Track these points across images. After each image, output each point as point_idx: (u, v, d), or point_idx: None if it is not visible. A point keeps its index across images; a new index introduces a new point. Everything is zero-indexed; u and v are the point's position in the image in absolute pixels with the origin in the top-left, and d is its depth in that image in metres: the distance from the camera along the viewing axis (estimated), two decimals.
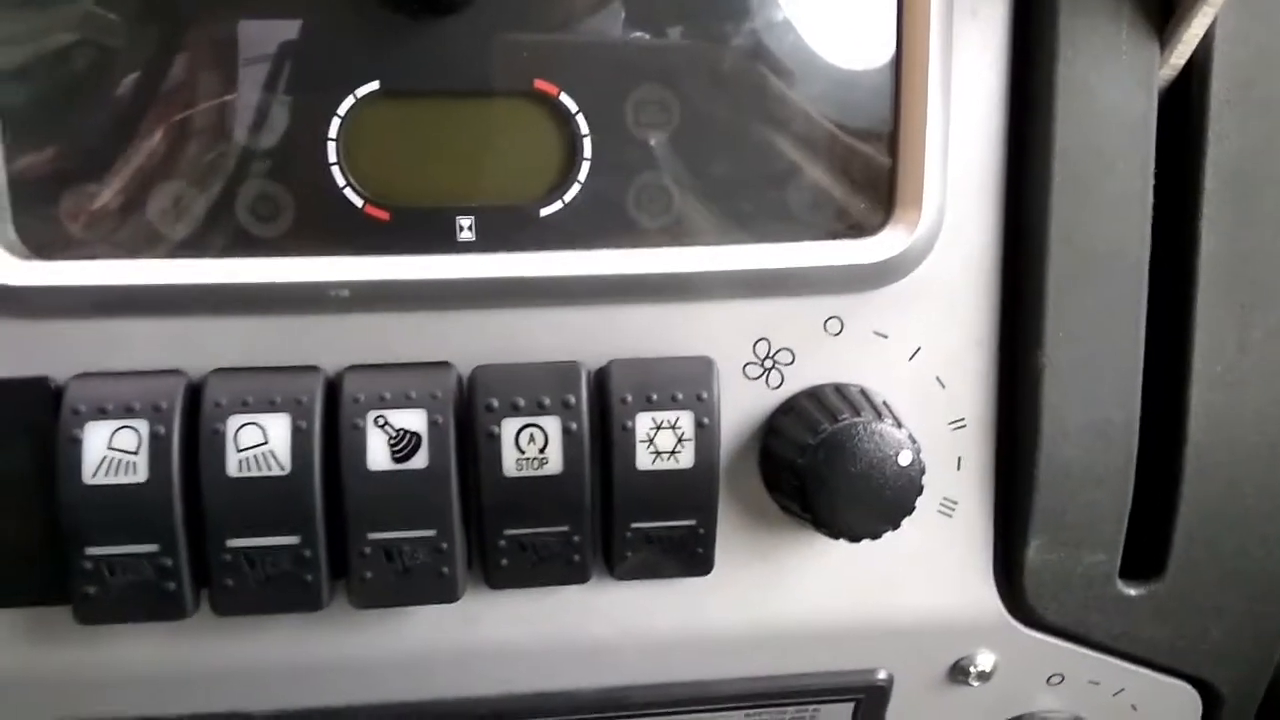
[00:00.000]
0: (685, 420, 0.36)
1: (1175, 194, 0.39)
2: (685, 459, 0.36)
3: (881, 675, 0.43)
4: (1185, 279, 0.39)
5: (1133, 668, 0.44)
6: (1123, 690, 0.45)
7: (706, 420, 0.36)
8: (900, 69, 0.37)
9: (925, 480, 0.37)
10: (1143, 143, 0.37)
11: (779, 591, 0.40)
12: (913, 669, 0.43)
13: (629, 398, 0.36)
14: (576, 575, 0.37)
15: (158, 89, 0.35)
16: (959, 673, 0.43)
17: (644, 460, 0.36)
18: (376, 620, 0.38)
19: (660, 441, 0.36)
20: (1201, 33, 0.36)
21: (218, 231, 0.36)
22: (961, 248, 0.38)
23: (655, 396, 0.36)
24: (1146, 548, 0.42)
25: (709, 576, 0.39)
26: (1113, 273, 0.38)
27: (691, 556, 0.38)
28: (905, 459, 0.35)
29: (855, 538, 0.36)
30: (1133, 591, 0.42)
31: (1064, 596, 0.41)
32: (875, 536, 0.36)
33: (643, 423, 0.36)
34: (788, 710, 0.43)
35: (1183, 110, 0.38)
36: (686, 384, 0.36)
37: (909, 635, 0.42)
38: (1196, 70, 0.38)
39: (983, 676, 0.43)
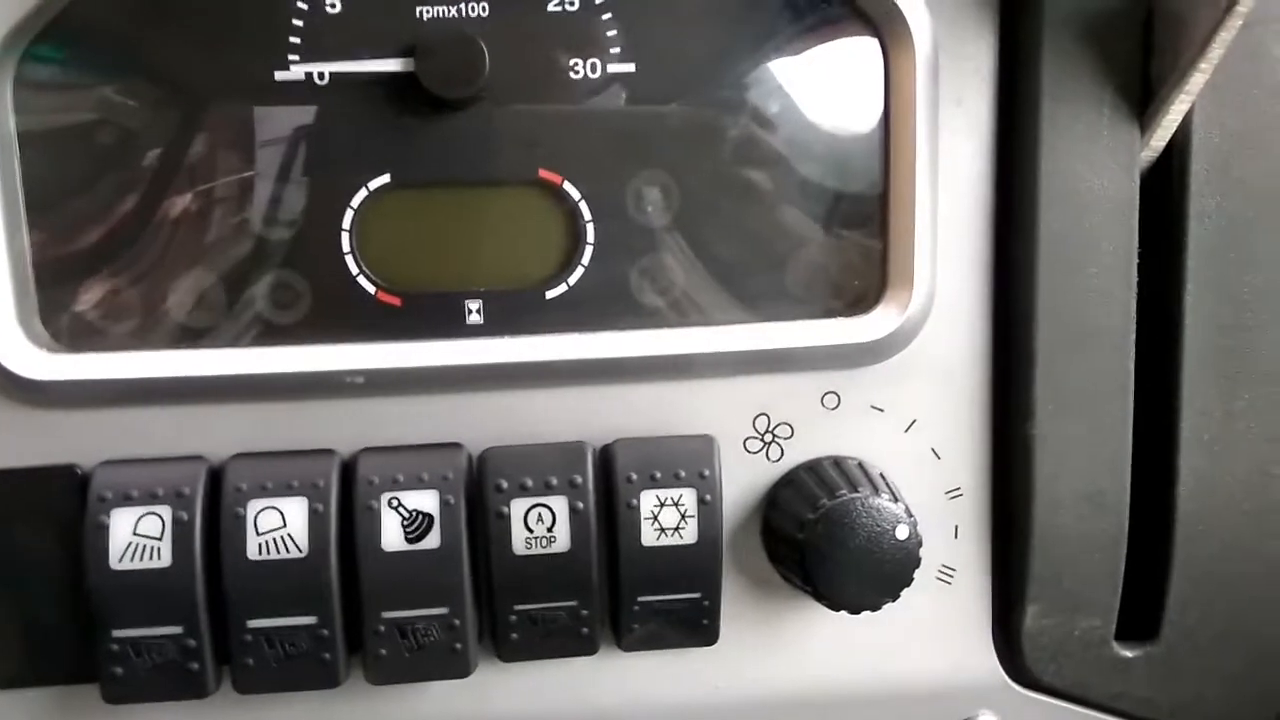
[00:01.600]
0: (688, 497, 0.37)
1: (1159, 270, 0.40)
2: (689, 534, 0.37)
3: None
4: (1171, 352, 0.40)
5: None
6: None
7: (709, 497, 0.37)
8: (888, 155, 0.39)
9: (924, 549, 0.38)
10: (1126, 222, 0.39)
11: (783, 660, 0.41)
12: None
13: (634, 476, 0.37)
14: (585, 648, 0.38)
15: (176, 187, 0.37)
16: None
17: (649, 537, 0.37)
18: (392, 695, 0.39)
19: (664, 518, 0.37)
20: (1179, 118, 0.38)
21: (237, 320, 0.38)
22: (953, 324, 0.40)
23: (659, 474, 0.37)
24: (1141, 611, 0.42)
25: (714, 646, 0.40)
26: (1100, 347, 0.39)
27: (697, 628, 0.39)
28: (903, 533, 0.37)
29: (855, 610, 0.37)
30: (1129, 654, 0.42)
31: (1062, 659, 0.42)
32: (875, 608, 0.37)
33: (647, 500, 0.37)
34: None
35: (1164, 190, 0.40)
36: (689, 462, 0.38)
37: (912, 700, 0.42)
38: (1176, 152, 0.39)
39: None
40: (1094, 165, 0.38)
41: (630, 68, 0.38)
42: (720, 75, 0.38)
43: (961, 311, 0.40)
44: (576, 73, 0.38)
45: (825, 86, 0.39)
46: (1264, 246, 0.39)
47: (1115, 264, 0.39)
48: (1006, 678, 0.43)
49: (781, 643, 0.41)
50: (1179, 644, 0.43)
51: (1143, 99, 0.38)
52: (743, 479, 0.40)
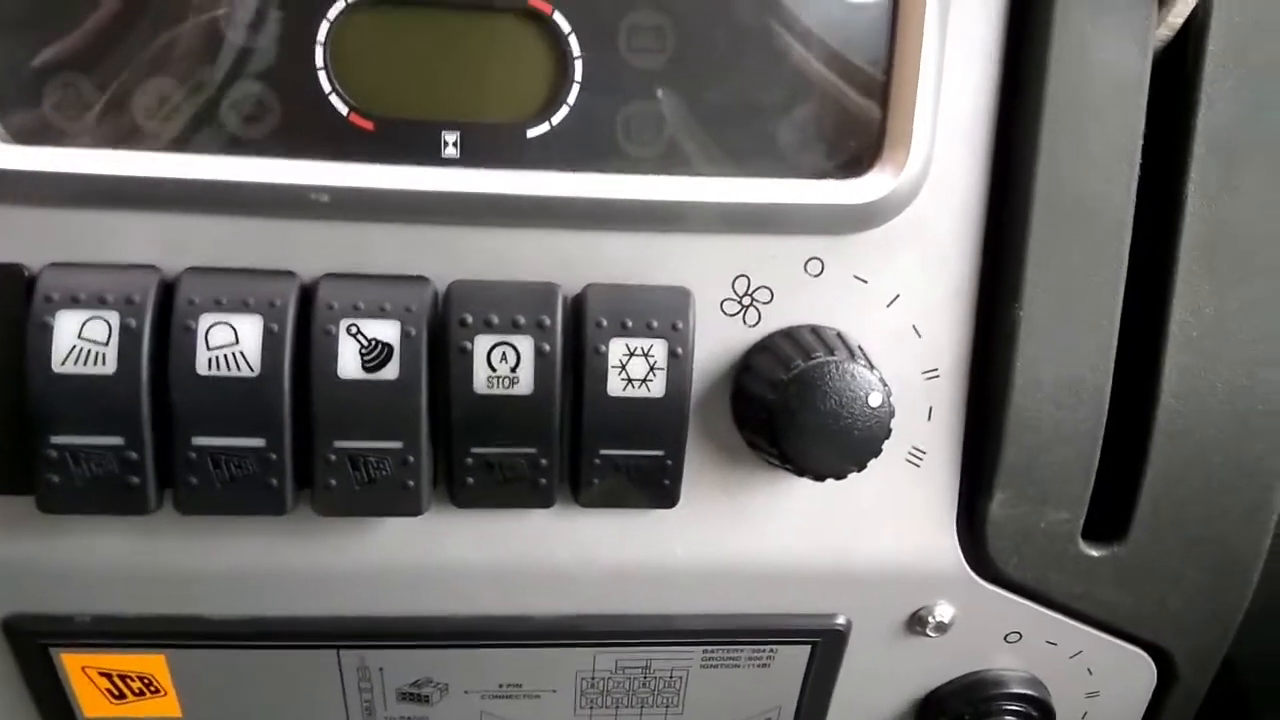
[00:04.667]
0: (659, 349, 0.36)
1: (1164, 157, 0.38)
2: (657, 388, 0.36)
3: (840, 620, 0.43)
4: (1167, 242, 0.39)
5: (1091, 631, 0.45)
6: (1080, 653, 0.46)
7: (680, 350, 0.36)
8: (896, 13, 0.37)
9: (895, 428, 0.37)
10: (1134, 101, 0.37)
11: (743, 530, 0.40)
12: (872, 616, 0.43)
13: (604, 322, 0.36)
14: (542, 499, 0.37)
15: None
16: (917, 623, 0.43)
17: (615, 386, 0.36)
18: (340, 530, 0.38)
19: (633, 369, 0.36)
20: None
21: (202, 130, 0.36)
22: (947, 195, 0.38)
23: (630, 323, 0.36)
24: (1112, 510, 0.42)
25: (674, 511, 0.39)
26: (1095, 229, 0.38)
27: (658, 488, 0.38)
28: (875, 400, 0.35)
29: (820, 476, 0.36)
30: (1094, 552, 0.42)
31: (1025, 552, 0.41)
32: (840, 476, 0.36)
33: (616, 348, 0.36)
34: (745, 649, 0.44)
35: (1177, 74, 0.38)
36: (662, 313, 0.36)
37: (869, 582, 0.42)
38: (1193, 33, 0.38)
39: (940, 628, 0.43)
40: (1106, 37, 0.37)
41: None
42: None
43: (957, 182, 0.38)
44: None
45: None
46: (1275, 137, 0.38)
47: (1119, 142, 0.37)
48: (968, 569, 0.42)
49: (743, 512, 0.40)
50: (1146, 547, 0.42)
51: None
52: (717, 341, 0.39)
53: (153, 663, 0.42)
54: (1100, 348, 0.39)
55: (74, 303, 0.34)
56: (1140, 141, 0.37)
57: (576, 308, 0.37)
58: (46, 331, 0.34)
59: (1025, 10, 0.37)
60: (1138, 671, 0.47)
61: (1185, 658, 0.46)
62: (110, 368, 0.34)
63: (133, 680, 0.42)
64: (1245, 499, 0.42)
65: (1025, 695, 0.46)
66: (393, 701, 0.44)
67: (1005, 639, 0.45)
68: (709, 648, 0.44)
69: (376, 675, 0.43)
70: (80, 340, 0.34)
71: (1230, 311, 0.39)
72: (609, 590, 0.41)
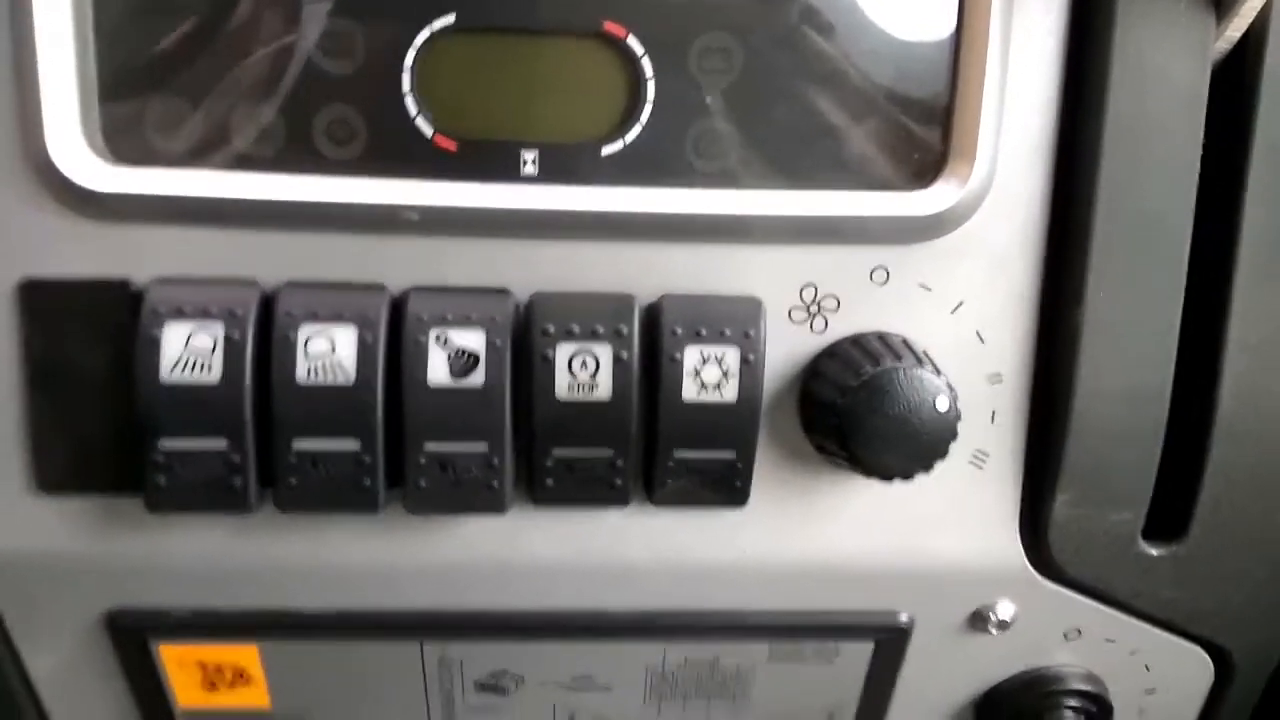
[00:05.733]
0: (731, 356, 0.37)
1: (1223, 167, 0.39)
2: (729, 393, 0.38)
3: (904, 617, 0.44)
4: (1227, 250, 0.40)
5: (1149, 628, 0.46)
6: (1138, 650, 0.47)
7: (752, 357, 0.37)
8: (962, 28, 0.38)
9: (960, 431, 0.38)
10: (1194, 113, 0.38)
11: (810, 529, 0.42)
12: (935, 613, 0.44)
13: (679, 330, 0.37)
14: (617, 498, 0.39)
15: (244, 10, 0.37)
16: (979, 620, 0.44)
17: (690, 391, 0.37)
18: (427, 528, 0.40)
19: (706, 375, 0.37)
20: (1259, 6, 0.37)
21: (294, 151, 0.38)
22: (1010, 205, 0.39)
23: (704, 331, 0.37)
24: (1172, 510, 0.43)
25: (744, 510, 0.40)
26: (1156, 238, 0.39)
27: (729, 488, 0.39)
28: (943, 405, 0.37)
29: (889, 477, 0.38)
30: (1155, 552, 0.43)
31: (1087, 552, 0.42)
32: (908, 477, 0.38)
33: (691, 355, 0.37)
34: (810, 645, 0.45)
35: (1235, 85, 0.39)
36: (734, 322, 0.38)
37: (933, 580, 0.43)
38: (1251, 46, 0.38)
39: (1002, 626, 0.44)
40: (1167, 50, 0.38)
41: None
42: None
43: (1020, 193, 0.39)
44: None
45: None
46: None
47: (1179, 153, 0.38)
48: (1030, 568, 0.43)
49: (811, 512, 0.42)
50: (1205, 547, 0.43)
51: None
52: (785, 348, 0.40)
53: (245, 654, 0.44)
54: (1161, 352, 0.40)
55: (180, 315, 0.36)
56: (1199, 153, 0.38)
57: (652, 317, 0.38)
58: (155, 343, 0.36)
59: (1086, 25, 0.38)
60: (1195, 668, 0.47)
61: (1243, 655, 0.47)
62: (215, 376, 0.36)
63: (225, 671, 0.44)
64: None
65: (1084, 691, 0.47)
66: (471, 692, 0.46)
67: (1065, 636, 0.46)
68: (775, 643, 0.45)
69: (456, 667, 0.45)
70: (187, 351, 0.36)
71: None
72: (680, 586, 0.43)
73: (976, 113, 0.38)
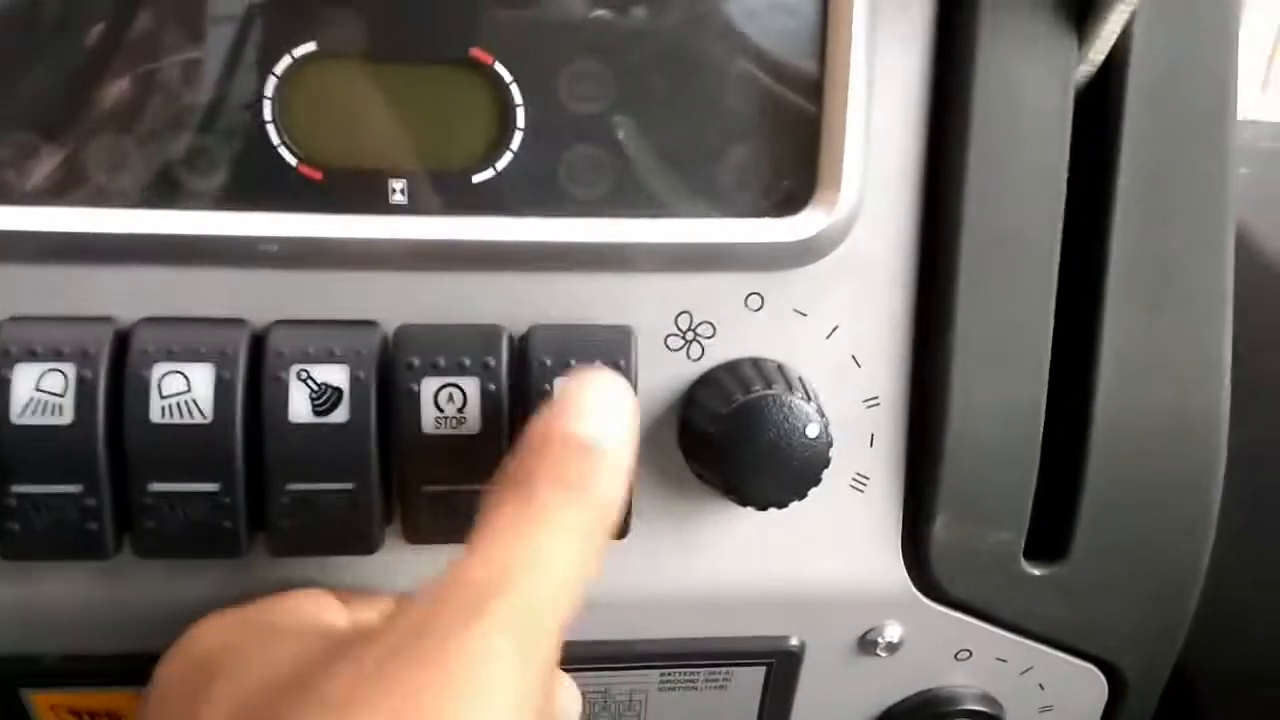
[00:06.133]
0: None
1: (1091, 187, 0.40)
2: None
3: (794, 642, 0.44)
4: (1096, 271, 0.40)
5: (1039, 647, 0.46)
6: (1030, 669, 0.47)
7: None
8: (826, 49, 0.38)
9: (839, 456, 0.38)
10: (1058, 135, 0.38)
11: (695, 558, 0.42)
12: (824, 637, 0.44)
13: (548, 361, 0.37)
14: None
15: (97, 41, 0.36)
16: (868, 644, 0.44)
17: None
18: (295, 569, 0.39)
19: None
20: (1118, 30, 0.37)
21: (154, 184, 0.37)
22: (880, 230, 0.39)
23: (574, 362, 0.37)
24: (1053, 529, 0.43)
25: (626, 541, 0.40)
26: (1024, 259, 0.39)
27: None
28: (813, 431, 0.37)
29: (763, 506, 0.37)
30: (1037, 571, 0.43)
31: (969, 573, 0.42)
32: (782, 505, 0.37)
33: (560, 386, 0.37)
34: (701, 671, 0.45)
35: (1100, 108, 0.39)
36: (605, 350, 0.37)
37: (820, 605, 0.43)
38: (1114, 69, 0.39)
39: (891, 648, 0.44)
40: (1028, 75, 0.38)
41: None
42: None
43: (889, 218, 0.39)
44: None
45: None
46: (1196, 168, 0.39)
47: (1044, 174, 0.38)
48: (915, 589, 0.43)
49: (694, 542, 0.41)
50: (1088, 565, 0.43)
51: (1082, 9, 0.38)
52: (663, 376, 0.40)
53: (120, 700, 0.42)
54: (1033, 372, 0.40)
55: (31, 356, 0.35)
56: (1065, 174, 0.39)
57: (521, 348, 0.38)
58: (5, 385, 0.35)
59: (950, 51, 0.38)
60: (1089, 685, 0.48)
61: (1134, 671, 0.47)
62: (68, 418, 0.35)
63: (100, 717, 0.43)
64: (1184, 513, 0.43)
65: (978, 712, 0.47)
66: None
67: (956, 657, 0.46)
68: (665, 671, 0.45)
69: None
70: (38, 392, 0.35)
71: (1160, 335, 0.41)
72: None
73: (841, 139, 0.37)
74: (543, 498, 0.30)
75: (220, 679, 0.31)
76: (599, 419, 0.32)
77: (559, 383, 0.37)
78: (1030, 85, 0.38)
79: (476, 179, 0.38)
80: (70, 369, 0.35)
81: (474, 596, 0.27)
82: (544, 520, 0.29)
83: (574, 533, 0.30)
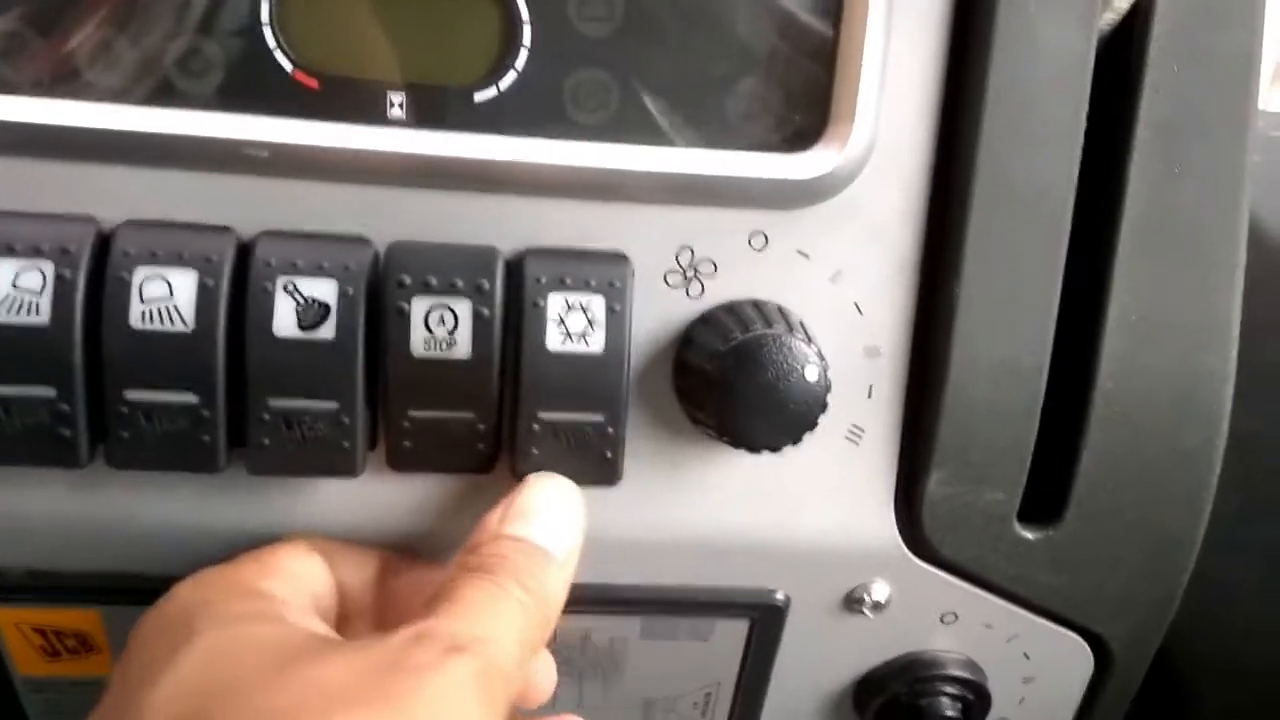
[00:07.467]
0: (597, 304, 0.36)
1: (1108, 140, 0.39)
2: (596, 343, 0.36)
3: (779, 596, 0.43)
4: (1109, 227, 0.39)
5: (1027, 615, 0.45)
6: (1016, 636, 0.46)
7: (618, 306, 0.36)
8: None
9: (835, 406, 0.37)
10: (1078, 83, 0.37)
11: (684, 503, 0.41)
12: (810, 593, 0.43)
13: (542, 279, 0.36)
14: (481, 464, 0.38)
15: None
16: (854, 601, 0.44)
17: (554, 340, 0.36)
18: (275, 489, 0.38)
19: (571, 322, 0.36)
20: None
21: (144, 81, 0.36)
22: (891, 173, 0.38)
23: (569, 280, 0.36)
24: (1049, 493, 0.42)
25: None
26: (1036, 211, 0.38)
27: (600, 460, 0.38)
28: (812, 374, 0.36)
29: (756, 449, 0.36)
30: (1030, 535, 0.42)
31: (961, 532, 0.41)
32: (775, 449, 0.36)
33: (555, 302, 0.36)
34: (684, 622, 0.44)
35: (1121, 57, 0.38)
36: (600, 272, 0.36)
37: (808, 558, 0.42)
38: (1139, 18, 0.38)
39: (877, 607, 0.43)
40: (1051, 20, 0.37)
41: None
42: None
43: (902, 160, 0.38)
44: None
45: None
46: (1216, 125, 0.38)
47: (1062, 122, 0.38)
48: (905, 548, 0.42)
49: (683, 484, 0.40)
50: (1082, 530, 0.42)
51: None
52: (660, 312, 0.39)
53: (87, 619, 0.41)
54: (1038, 329, 0.39)
55: (9, 252, 0.34)
56: (1083, 125, 0.38)
57: (515, 271, 0.37)
58: None
59: None
60: (1074, 657, 0.47)
61: (1121, 644, 0.46)
62: (44, 318, 0.34)
63: (67, 637, 0.42)
64: (1182, 484, 0.42)
65: (961, 678, 0.46)
66: None
67: (942, 620, 0.45)
68: (647, 618, 0.44)
69: None
70: (14, 290, 0.34)
71: (1169, 297, 0.40)
72: None
73: (857, 75, 0.36)
74: (508, 589, 0.33)
75: (197, 637, 0.31)
76: (563, 534, 0.36)
77: (527, 482, 0.37)
78: (1053, 31, 0.37)
79: (478, 97, 0.37)
80: (49, 267, 0.34)
81: (446, 648, 0.30)
82: (507, 608, 0.33)
83: (530, 624, 0.33)
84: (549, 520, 0.36)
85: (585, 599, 0.42)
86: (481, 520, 0.36)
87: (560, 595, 0.36)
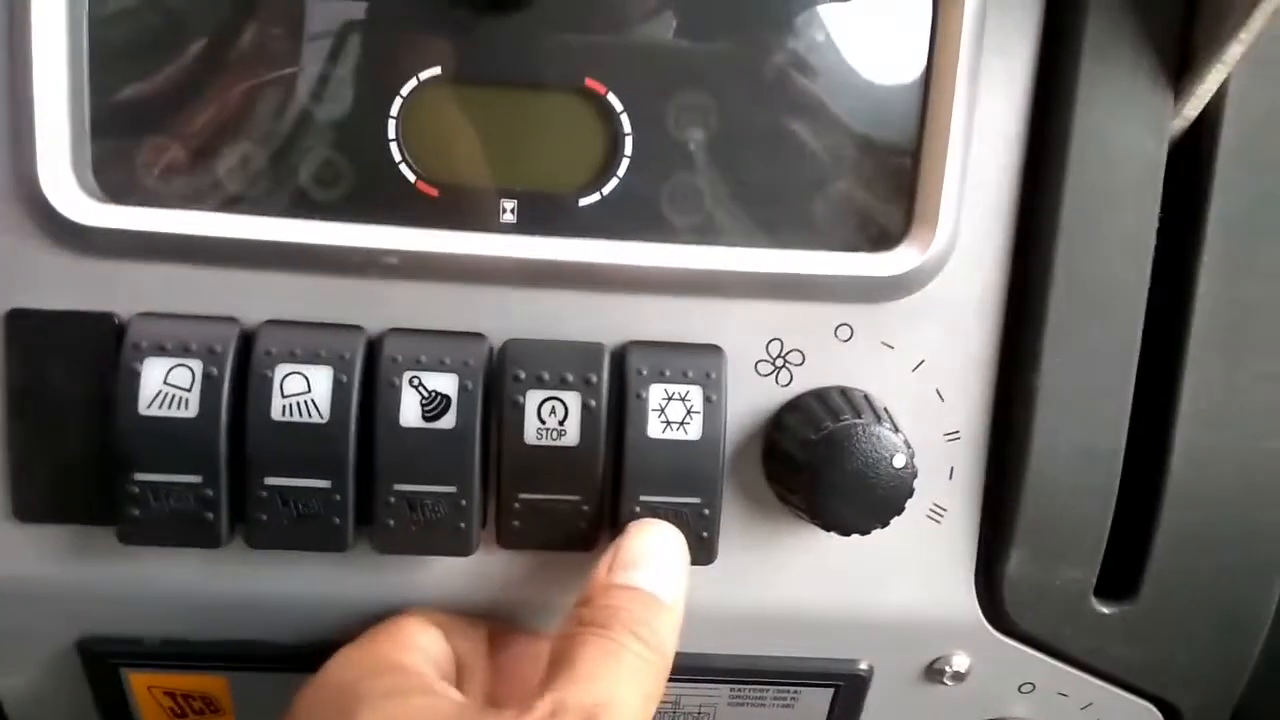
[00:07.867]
0: (695, 394, 0.39)
1: (1178, 241, 0.41)
2: (693, 431, 0.39)
3: (863, 666, 0.45)
4: (1180, 322, 0.41)
5: (1101, 684, 0.46)
6: (1090, 704, 0.47)
7: (714, 396, 0.39)
8: (928, 94, 0.40)
9: (918, 486, 0.39)
10: (1151, 187, 0.40)
11: (774, 579, 0.43)
12: (892, 663, 0.45)
13: (644, 371, 0.39)
14: (584, 543, 0.40)
15: (235, 54, 0.38)
16: (935, 672, 0.45)
17: (655, 429, 0.38)
18: (396, 566, 0.41)
19: (671, 412, 0.38)
20: (1214, 88, 0.38)
21: (280, 193, 0.39)
22: (971, 269, 0.41)
23: (668, 372, 0.39)
24: (1124, 570, 0.44)
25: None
26: (1111, 307, 0.40)
27: (697, 540, 0.40)
28: (899, 462, 0.38)
29: (846, 532, 0.39)
30: (1106, 610, 0.44)
31: (1040, 608, 0.43)
32: (865, 532, 0.39)
33: (655, 393, 0.38)
34: (770, 689, 0.46)
35: (1192, 162, 0.40)
36: (697, 364, 0.39)
37: (891, 631, 0.44)
38: (1208, 125, 0.40)
39: (957, 677, 0.45)
40: (1126, 127, 0.39)
41: None
42: (770, 8, 0.39)
43: (981, 258, 0.41)
44: None
45: (871, 26, 0.40)
46: None
47: (1136, 225, 0.40)
48: (985, 621, 0.44)
49: (773, 563, 0.43)
50: (1156, 606, 0.44)
51: (1180, 67, 0.39)
52: (751, 400, 0.41)
53: (215, 684, 0.44)
54: (1114, 416, 0.41)
55: (161, 351, 0.37)
56: (1155, 226, 0.40)
57: (618, 364, 0.39)
58: (135, 376, 0.37)
59: (1049, 100, 0.40)
60: None
61: (1192, 712, 0.48)
62: (192, 412, 0.37)
63: (195, 700, 0.45)
64: (1252, 561, 0.44)
65: None
66: None
67: (1019, 689, 0.47)
68: (736, 686, 0.46)
69: None
70: (165, 386, 0.37)
71: (1239, 386, 0.41)
72: None
73: (940, 180, 0.39)
74: (625, 644, 0.34)
75: (357, 717, 0.33)
76: (670, 579, 0.37)
77: (631, 530, 0.39)
78: (1126, 138, 0.39)
79: (583, 202, 0.40)
80: (197, 365, 0.37)
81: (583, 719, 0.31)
82: (627, 663, 0.34)
83: (649, 677, 0.34)
84: (656, 565, 0.37)
85: (678, 668, 0.44)
86: (592, 573, 0.37)
87: (673, 641, 0.36)
